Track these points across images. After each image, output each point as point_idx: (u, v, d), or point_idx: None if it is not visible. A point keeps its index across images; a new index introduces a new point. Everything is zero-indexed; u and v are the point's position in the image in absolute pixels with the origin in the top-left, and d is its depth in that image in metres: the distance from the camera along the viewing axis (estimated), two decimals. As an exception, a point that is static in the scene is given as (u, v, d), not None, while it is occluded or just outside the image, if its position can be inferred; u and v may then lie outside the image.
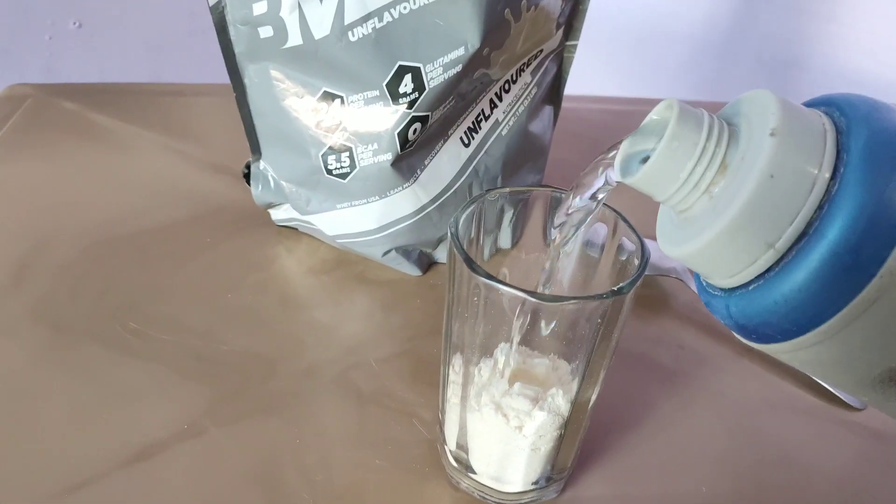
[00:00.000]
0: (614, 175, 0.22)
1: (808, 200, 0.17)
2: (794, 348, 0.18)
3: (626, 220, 0.27)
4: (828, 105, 0.19)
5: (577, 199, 0.24)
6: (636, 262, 0.26)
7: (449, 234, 0.26)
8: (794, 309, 0.17)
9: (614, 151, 0.22)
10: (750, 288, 0.18)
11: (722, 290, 0.19)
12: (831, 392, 0.38)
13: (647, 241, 0.26)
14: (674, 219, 0.21)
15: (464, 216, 0.27)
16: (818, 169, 0.17)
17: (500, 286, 0.23)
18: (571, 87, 0.50)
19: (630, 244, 0.28)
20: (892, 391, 0.18)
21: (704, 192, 0.19)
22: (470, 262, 0.24)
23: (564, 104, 0.51)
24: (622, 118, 0.66)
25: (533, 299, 0.23)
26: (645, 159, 0.20)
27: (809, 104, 0.20)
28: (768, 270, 0.18)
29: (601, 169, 0.23)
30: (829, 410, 0.38)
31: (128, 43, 0.65)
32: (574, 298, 0.23)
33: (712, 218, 0.18)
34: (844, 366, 0.18)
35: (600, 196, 0.24)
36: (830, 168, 0.17)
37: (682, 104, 0.20)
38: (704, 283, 0.21)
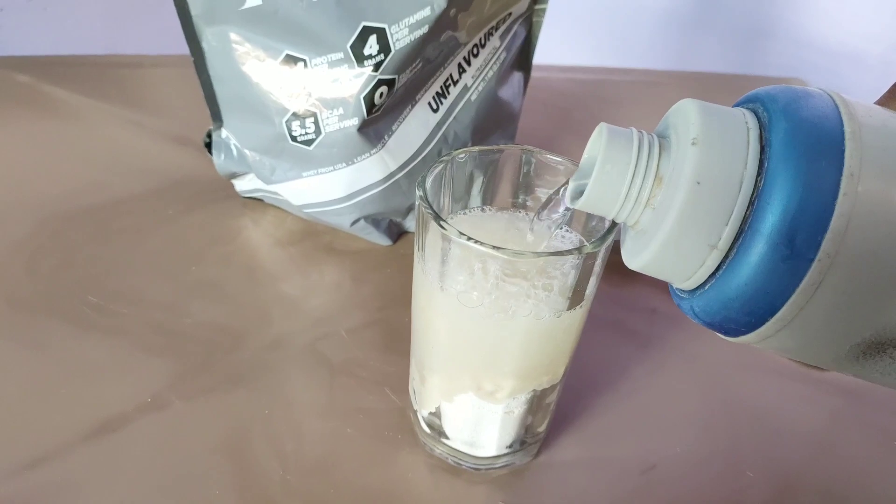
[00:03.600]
0: (567, 202, 0.23)
1: (739, 199, 0.17)
2: (760, 338, 0.19)
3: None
4: (753, 101, 0.19)
5: (541, 223, 0.26)
6: (607, 223, 0.26)
7: (416, 194, 0.25)
8: (747, 302, 0.18)
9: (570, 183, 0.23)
10: (706, 288, 0.19)
11: (685, 292, 0.20)
12: (801, 352, 0.39)
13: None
14: (630, 233, 0.21)
15: (432, 176, 0.27)
16: (743, 167, 0.17)
17: (471, 244, 0.23)
18: (542, 57, 0.49)
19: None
20: (870, 363, 0.19)
21: (647, 205, 0.20)
22: (438, 219, 0.23)
23: (535, 73, 0.50)
24: (593, 88, 0.66)
25: (503, 256, 0.23)
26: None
27: (738, 103, 0.20)
28: (717, 270, 0.18)
29: (560, 194, 0.24)
30: (801, 371, 0.38)
31: (83, 14, 0.63)
32: (545, 254, 0.23)
33: (656, 228, 0.19)
34: (815, 346, 0.19)
35: (561, 219, 0.25)
36: (756, 165, 0.17)
37: (611, 128, 0.20)
38: (673, 288, 0.22)
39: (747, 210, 0.17)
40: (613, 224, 0.25)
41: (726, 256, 0.18)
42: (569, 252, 0.23)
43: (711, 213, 0.18)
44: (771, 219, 0.17)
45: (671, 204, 0.18)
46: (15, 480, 0.28)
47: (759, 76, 0.77)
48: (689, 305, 0.20)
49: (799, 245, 0.17)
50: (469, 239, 0.23)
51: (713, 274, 0.19)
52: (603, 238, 0.24)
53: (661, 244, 0.18)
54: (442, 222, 0.23)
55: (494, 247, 0.23)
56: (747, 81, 0.75)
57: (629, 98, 0.65)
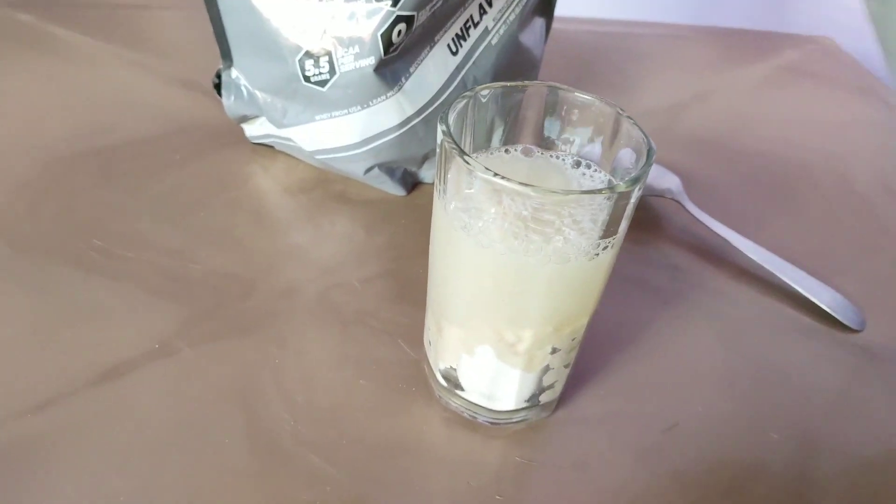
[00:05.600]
0: None
1: None
2: None
3: (629, 117, 0.25)
4: None
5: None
6: (639, 165, 0.24)
7: (439, 129, 0.24)
8: None
9: None
10: None
11: None
12: (829, 313, 0.37)
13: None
14: None
15: (454, 113, 0.25)
16: None
17: (498, 180, 0.21)
18: (564, 9, 0.47)
19: (627, 158, 0.26)
20: None
21: None
22: (463, 154, 0.22)
23: (556, 25, 0.48)
24: (615, 40, 0.63)
25: (532, 193, 0.21)
26: None
27: None
28: None
29: None
30: (826, 331, 0.37)
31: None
32: (575, 192, 0.21)
33: None
34: None
35: None
36: None
37: None
38: None
39: None
40: (647, 164, 0.23)
41: None
42: (600, 191, 0.22)
43: None
44: None
45: None
46: (20, 423, 0.27)
47: (786, 33, 0.74)
48: None
49: None
50: (496, 175, 0.21)
51: None
52: (636, 178, 0.22)
53: None
54: (467, 157, 0.22)
55: (522, 183, 0.21)
56: (773, 39, 0.72)
57: (652, 52, 0.62)
